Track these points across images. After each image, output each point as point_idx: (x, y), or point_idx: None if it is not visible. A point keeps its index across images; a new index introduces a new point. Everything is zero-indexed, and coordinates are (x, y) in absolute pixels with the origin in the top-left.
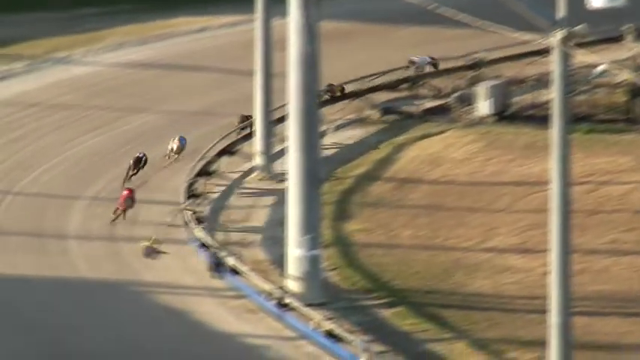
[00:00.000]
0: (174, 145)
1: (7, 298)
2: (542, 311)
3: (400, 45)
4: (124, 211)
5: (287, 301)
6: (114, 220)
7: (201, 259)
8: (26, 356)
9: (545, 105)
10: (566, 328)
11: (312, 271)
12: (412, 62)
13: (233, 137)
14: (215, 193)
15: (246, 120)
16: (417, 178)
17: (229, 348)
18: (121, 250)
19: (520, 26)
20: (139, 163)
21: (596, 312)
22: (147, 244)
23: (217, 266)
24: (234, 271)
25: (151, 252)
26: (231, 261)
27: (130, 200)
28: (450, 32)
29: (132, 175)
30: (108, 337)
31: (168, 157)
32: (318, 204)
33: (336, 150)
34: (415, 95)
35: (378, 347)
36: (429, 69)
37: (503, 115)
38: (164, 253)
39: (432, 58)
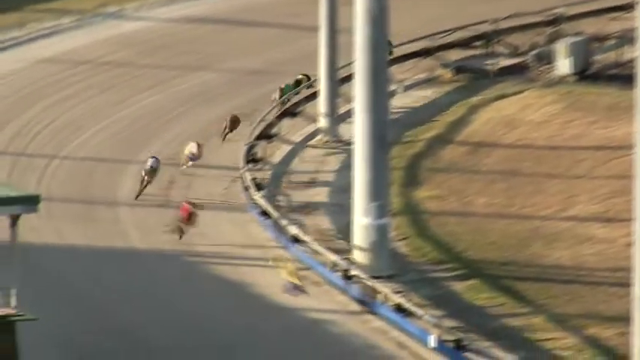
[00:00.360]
0: (192, 150)
1: (55, 268)
2: (626, 284)
3: None
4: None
5: (353, 272)
6: (179, 236)
7: (261, 228)
8: (77, 328)
9: (629, 63)
10: None
11: (380, 240)
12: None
13: (295, 98)
14: (276, 157)
15: (236, 121)
16: (491, 141)
17: (291, 323)
18: (174, 218)
19: None
20: (154, 172)
21: None
22: (288, 278)
23: (366, 301)
24: (297, 241)
25: (293, 288)
26: (293, 230)
27: (193, 216)
28: None
29: (147, 184)
30: (160, 310)
31: (185, 164)
32: (386, 169)
33: (405, 112)
34: (490, 53)
35: (449, 323)
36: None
37: (585, 74)
38: (301, 287)
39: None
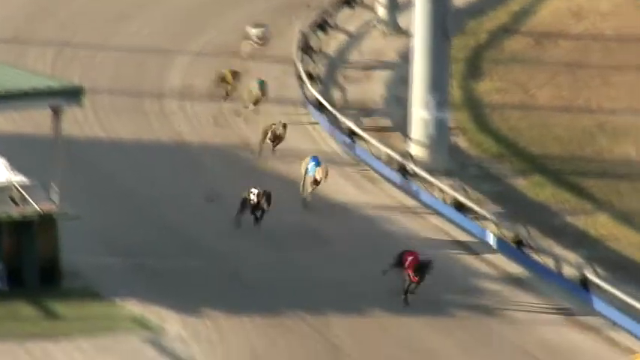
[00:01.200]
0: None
1: (100, 163)
2: None
3: None
4: (417, 283)
5: (411, 168)
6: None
7: (316, 123)
8: (124, 226)
9: None
10: None
11: (439, 135)
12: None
13: None
14: (332, 48)
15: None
16: (557, 32)
17: (348, 220)
18: (223, 111)
19: None
20: (269, 199)
21: None
22: None
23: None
24: (353, 136)
25: None
26: (349, 125)
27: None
28: None
29: (262, 214)
30: (211, 208)
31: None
32: (446, 60)
33: (468, 0)
34: None
35: (510, 220)
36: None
37: None
38: None
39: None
